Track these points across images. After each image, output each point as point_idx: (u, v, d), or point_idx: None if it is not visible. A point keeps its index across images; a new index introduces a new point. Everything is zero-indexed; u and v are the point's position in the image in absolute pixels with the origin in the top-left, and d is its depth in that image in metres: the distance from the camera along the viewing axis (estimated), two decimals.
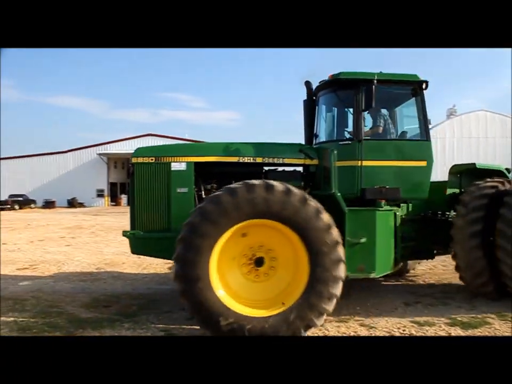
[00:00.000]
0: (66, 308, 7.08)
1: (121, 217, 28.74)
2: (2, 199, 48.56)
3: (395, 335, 5.70)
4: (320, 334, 5.77)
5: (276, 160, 6.96)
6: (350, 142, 6.85)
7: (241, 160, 6.79)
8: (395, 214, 6.85)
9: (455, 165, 8.06)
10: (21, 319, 6.36)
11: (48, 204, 50.08)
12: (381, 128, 7.15)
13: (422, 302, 7.29)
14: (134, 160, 6.75)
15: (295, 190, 5.45)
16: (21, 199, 49.18)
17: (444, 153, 42.57)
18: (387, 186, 6.71)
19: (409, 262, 9.08)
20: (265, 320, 5.35)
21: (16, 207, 46.97)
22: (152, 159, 6.67)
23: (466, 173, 7.86)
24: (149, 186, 6.57)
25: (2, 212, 41.96)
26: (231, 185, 5.48)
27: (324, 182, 6.83)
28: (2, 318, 6.42)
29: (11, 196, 49.65)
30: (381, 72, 6.88)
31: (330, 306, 5.43)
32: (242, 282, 5.64)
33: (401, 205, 7.28)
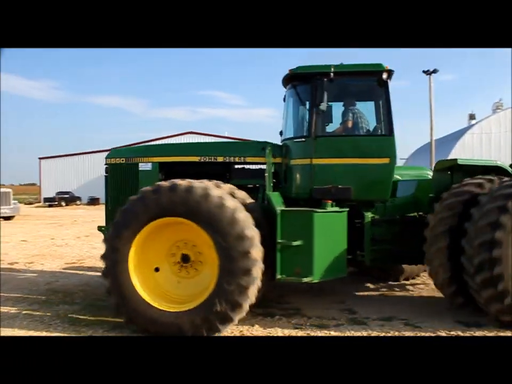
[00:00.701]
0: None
1: None
2: (50, 196, 50.53)
3: (433, 336, 5.59)
4: (365, 333, 5.70)
5: (237, 159, 7.01)
6: (304, 140, 6.67)
7: (202, 160, 7.00)
8: (364, 214, 6.63)
9: (439, 161, 7.08)
10: (71, 312, 6.62)
11: (93, 201, 51.60)
12: (350, 123, 6.81)
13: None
14: (107, 161, 7.32)
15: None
16: (67, 196, 51.00)
17: (489, 149, 41.07)
18: (339, 186, 6.42)
19: (407, 267, 8.35)
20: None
21: (63, 203, 48.79)
22: (123, 160, 7.23)
23: (458, 170, 6.81)
24: (120, 184, 7.05)
25: (51, 208, 43.68)
26: (159, 183, 5.62)
27: (283, 181, 6.87)
28: (54, 311, 6.72)
29: (58, 193, 51.57)
30: (341, 63, 6.61)
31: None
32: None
33: (376, 205, 6.86)
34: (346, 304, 7.13)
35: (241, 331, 5.76)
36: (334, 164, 6.54)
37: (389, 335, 5.60)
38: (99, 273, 9.67)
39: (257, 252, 5.29)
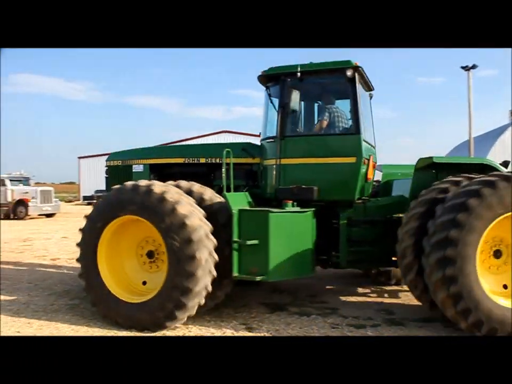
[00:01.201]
0: None
1: None
2: (89, 194, 51.90)
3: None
4: (401, 332, 5.62)
5: (218, 160, 7.07)
6: (273, 140, 6.68)
7: (186, 161, 7.32)
8: (339, 214, 6.47)
9: (420, 160, 6.45)
10: None
11: None
12: (325, 122, 6.68)
13: None
14: (107, 163, 8.06)
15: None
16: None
17: None
18: (302, 186, 6.33)
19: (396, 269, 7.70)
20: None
21: None
22: (119, 162, 7.88)
23: (443, 169, 6.31)
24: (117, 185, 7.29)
25: (90, 206, 44.80)
26: (126, 183, 5.87)
27: (260, 181, 7.00)
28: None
29: (96, 191, 52.75)
30: (310, 62, 6.54)
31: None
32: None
33: (355, 205, 6.59)
34: (382, 305, 7.04)
35: (277, 329, 5.77)
36: (299, 164, 6.57)
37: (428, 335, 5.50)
38: None
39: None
